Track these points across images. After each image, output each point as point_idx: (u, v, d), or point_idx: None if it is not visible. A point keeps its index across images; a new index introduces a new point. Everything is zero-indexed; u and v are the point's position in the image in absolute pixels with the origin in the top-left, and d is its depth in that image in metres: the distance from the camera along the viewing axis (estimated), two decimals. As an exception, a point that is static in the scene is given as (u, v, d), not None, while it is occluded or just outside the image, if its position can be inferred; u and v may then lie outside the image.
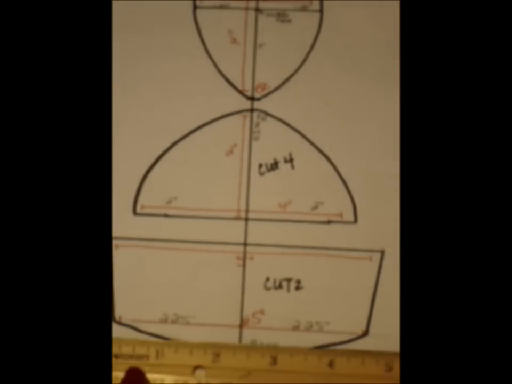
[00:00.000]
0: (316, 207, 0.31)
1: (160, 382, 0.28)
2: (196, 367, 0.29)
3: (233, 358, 0.29)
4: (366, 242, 0.31)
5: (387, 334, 0.29)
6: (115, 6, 0.31)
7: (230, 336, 0.30)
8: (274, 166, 0.32)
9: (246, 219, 0.31)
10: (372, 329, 0.30)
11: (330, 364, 0.29)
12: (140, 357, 0.29)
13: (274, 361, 0.29)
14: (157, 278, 0.30)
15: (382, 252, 0.30)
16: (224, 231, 0.31)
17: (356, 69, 0.33)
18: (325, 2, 0.34)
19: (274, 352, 0.29)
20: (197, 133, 0.32)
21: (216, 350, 0.29)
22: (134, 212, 0.31)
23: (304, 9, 0.34)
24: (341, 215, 0.31)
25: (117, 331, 0.29)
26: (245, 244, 0.31)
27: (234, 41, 0.33)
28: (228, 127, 0.32)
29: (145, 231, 0.31)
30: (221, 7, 0.34)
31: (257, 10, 0.34)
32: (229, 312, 0.30)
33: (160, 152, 0.32)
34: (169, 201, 0.31)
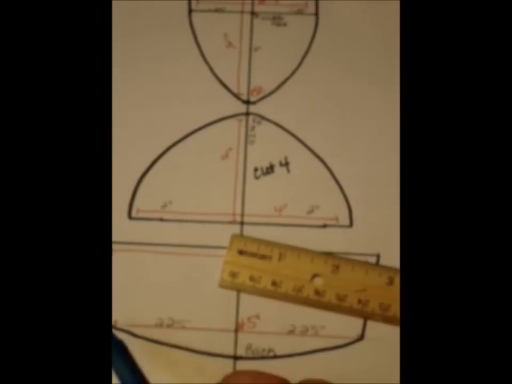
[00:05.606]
0: (311, 211, 0.31)
1: (279, 285, 0.29)
2: (315, 275, 0.29)
3: (352, 272, 0.29)
4: (361, 246, 0.31)
5: (383, 339, 0.29)
6: (110, 10, 0.31)
7: (225, 341, 0.30)
8: (270, 169, 0.32)
9: (242, 223, 0.31)
10: (368, 334, 0.30)
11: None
12: (263, 257, 0.30)
13: (391, 281, 0.29)
14: (152, 282, 0.30)
15: (378, 256, 0.30)
16: (219, 235, 0.31)
17: (352, 72, 0.33)
18: (320, 5, 0.34)
19: (392, 273, 0.29)
20: (192, 136, 0.32)
21: (336, 262, 0.30)
22: (129, 216, 0.31)
23: (299, 12, 0.34)
24: (336, 219, 0.31)
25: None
26: (241, 248, 0.31)
27: (229, 44, 0.33)
28: (223, 130, 0.32)
29: (141, 235, 0.31)
30: (216, 10, 0.34)
31: (253, 13, 0.34)
32: (224, 317, 0.30)
33: (155, 156, 0.32)
34: (164, 206, 0.31)
